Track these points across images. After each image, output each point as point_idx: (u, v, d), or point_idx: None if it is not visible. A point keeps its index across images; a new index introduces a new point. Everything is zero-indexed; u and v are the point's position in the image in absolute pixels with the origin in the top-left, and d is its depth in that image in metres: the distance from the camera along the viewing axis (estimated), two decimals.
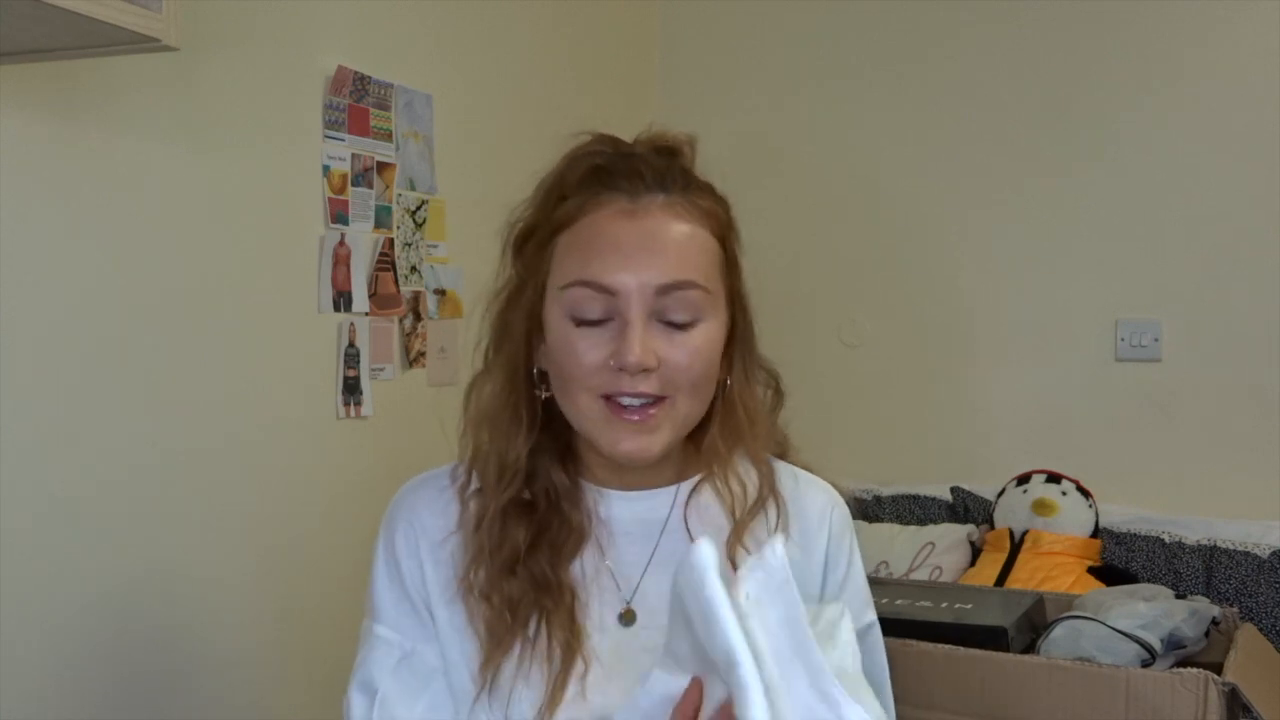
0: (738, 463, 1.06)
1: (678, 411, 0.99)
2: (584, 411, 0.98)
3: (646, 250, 0.95)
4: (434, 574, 1.03)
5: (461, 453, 1.06)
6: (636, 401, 0.96)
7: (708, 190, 1.02)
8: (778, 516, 1.07)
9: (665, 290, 0.95)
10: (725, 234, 1.02)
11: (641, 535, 1.05)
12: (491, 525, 1.00)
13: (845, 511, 1.13)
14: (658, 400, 0.97)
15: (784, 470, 1.09)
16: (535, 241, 1.01)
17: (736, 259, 1.03)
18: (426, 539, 1.04)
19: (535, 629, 0.99)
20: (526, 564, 0.99)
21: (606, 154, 1.01)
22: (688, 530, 1.05)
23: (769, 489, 1.06)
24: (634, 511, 1.05)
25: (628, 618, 1.02)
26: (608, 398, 0.97)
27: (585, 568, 1.02)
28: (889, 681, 1.13)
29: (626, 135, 1.04)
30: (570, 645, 0.98)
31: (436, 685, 1.03)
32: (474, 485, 1.04)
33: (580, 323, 0.96)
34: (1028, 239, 2.84)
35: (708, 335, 0.99)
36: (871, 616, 1.13)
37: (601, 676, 0.99)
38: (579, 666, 0.98)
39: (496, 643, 0.99)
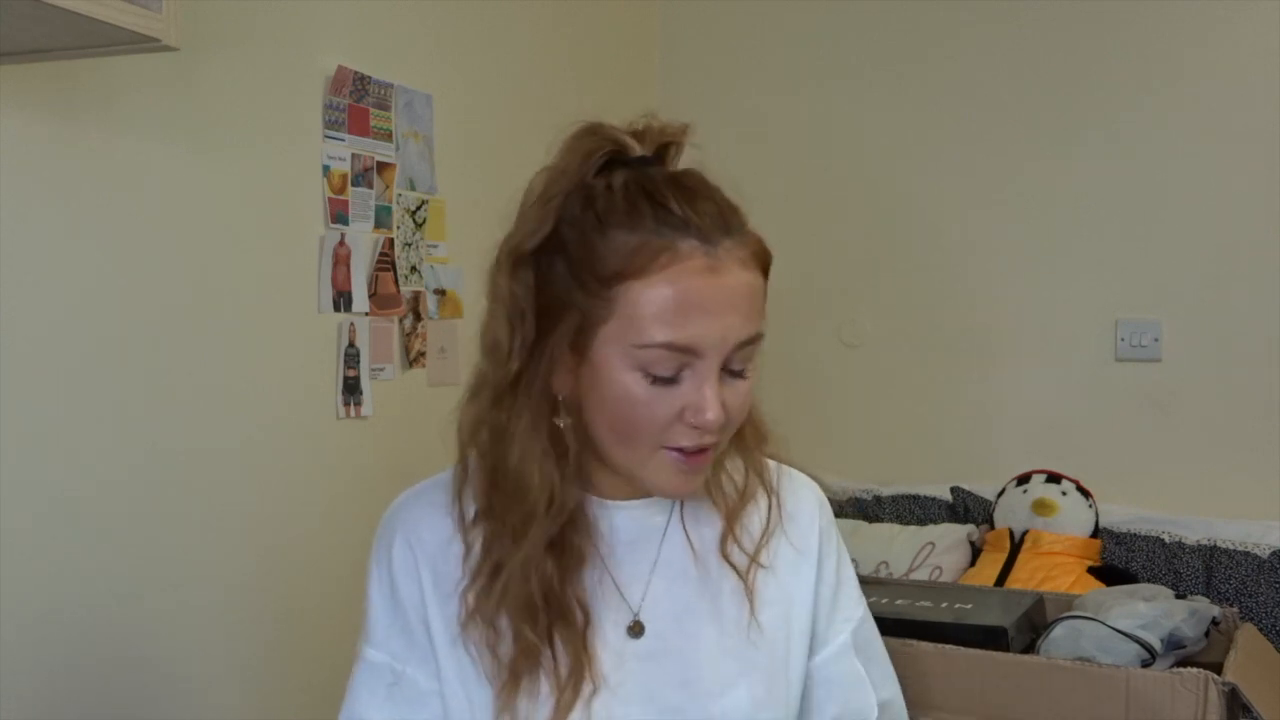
0: (726, 460, 1.06)
1: (720, 448, 0.99)
2: (640, 460, 0.96)
3: (730, 310, 0.92)
4: (434, 591, 1.00)
5: (460, 473, 1.01)
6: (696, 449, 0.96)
7: (743, 215, 0.97)
8: (769, 508, 1.06)
9: (740, 347, 0.93)
10: (769, 266, 0.98)
11: (642, 544, 1.04)
12: (526, 562, 0.96)
13: (829, 506, 1.14)
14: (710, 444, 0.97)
15: (771, 466, 1.09)
16: (584, 273, 0.92)
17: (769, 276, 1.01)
18: (426, 555, 1.01)
19: (546, 649, 0.97)
20: (546, 589, 0.97)
21: (649, 175, 0.94)
22: (687, 536, 1.05)
23: (758, 480, 1.06)
24: (634, 520, 1.04)
25: (636, 630, 1.01)
26: (668, 448, 0.95)
27: (588, 580, 1.01)
28: (889, 662, 1.15)
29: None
30: (580, 665, 0.97)
31: (429, 710, 1.01)
32: (473, 507, 1.00)
33: (654, 380, 0.92)
34: (1028, 239, 2.84)
35: (754, 375, 0.98)
36: (864, 607, 1.14)
37: (606, 693, 0.98)
38: (587, 687, 0.97)
39: (512, 671, 0.97)
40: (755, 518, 1.06)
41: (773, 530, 1.06)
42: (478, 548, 0.99)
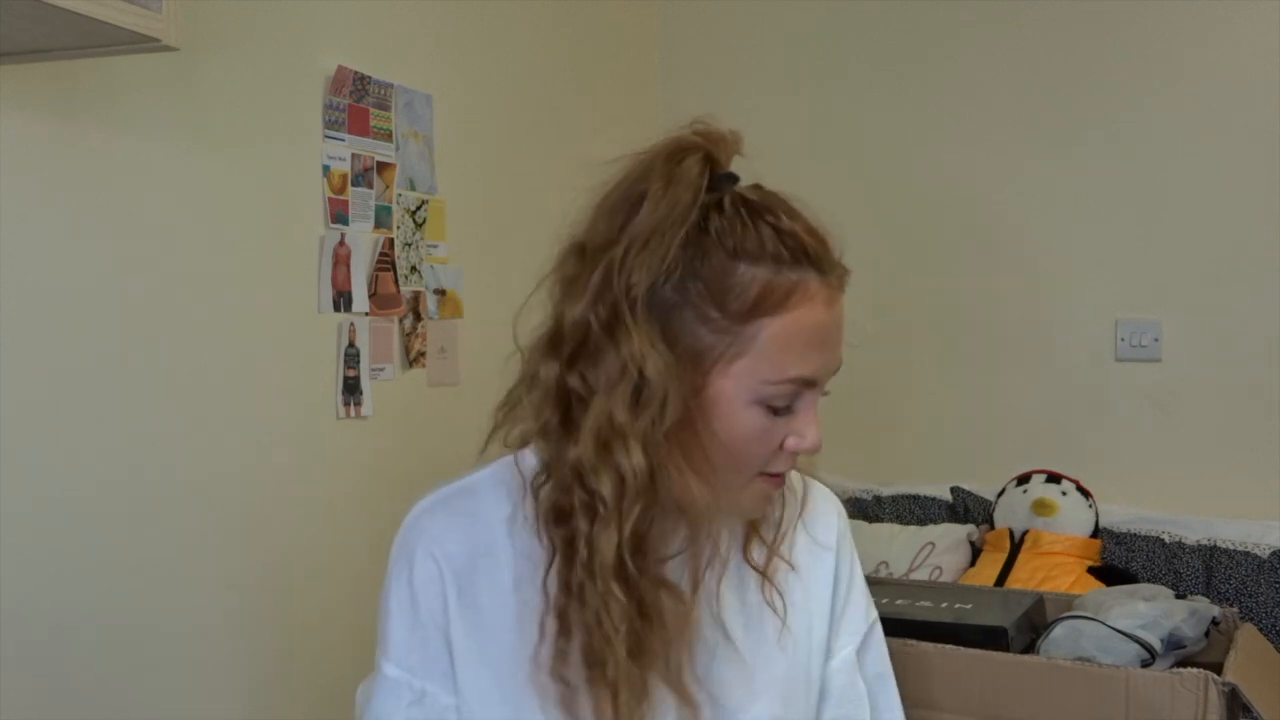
0: None
1: None
2: (737, 486, 0.95)
3: (840, 339, 0.94)
4: (458, 604, 0.97)
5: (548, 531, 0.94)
6: None
7: None
8: (789, 504, 1.05)
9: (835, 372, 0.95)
10: None
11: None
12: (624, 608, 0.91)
13: (844, 513, 1.13)
14: None
15: (794, 475, 1.08)
16: (711, 309, 0.89)
17: None
18: (452, 567, 0.97)
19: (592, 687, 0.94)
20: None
21: (755, 197, 0.92)
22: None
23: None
24: None
25: None
26: (764, 474, 0.96)
27: None
28: (893, 676, 1.14)
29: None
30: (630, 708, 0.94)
31: None
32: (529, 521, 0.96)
33: (769, 412, 0.92)
34: (1028, 238, 2.84)
35: None
36: (874, 614, 1.13)
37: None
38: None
39: (566, 702, 0.94)
40: (776, 516, 1.05)
41: (792, 523, 1.05)
42: (548, 585, 0.94)
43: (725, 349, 0.89)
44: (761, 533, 1.04)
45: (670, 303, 0.90)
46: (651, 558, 0.93)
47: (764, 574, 1.03)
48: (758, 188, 0.94)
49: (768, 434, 0.92)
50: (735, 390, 0.90)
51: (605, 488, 0.90)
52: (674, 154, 0.91)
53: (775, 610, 1.03)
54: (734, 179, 0.93)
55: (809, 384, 0.92)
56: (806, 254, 0.90)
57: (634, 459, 0.90)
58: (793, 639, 1.04)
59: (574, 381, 0.91)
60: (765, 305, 0.89)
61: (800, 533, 1.07)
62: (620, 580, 0.91)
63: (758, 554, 1.04)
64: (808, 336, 0.90)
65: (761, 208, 0.91)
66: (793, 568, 1.05)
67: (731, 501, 0.96)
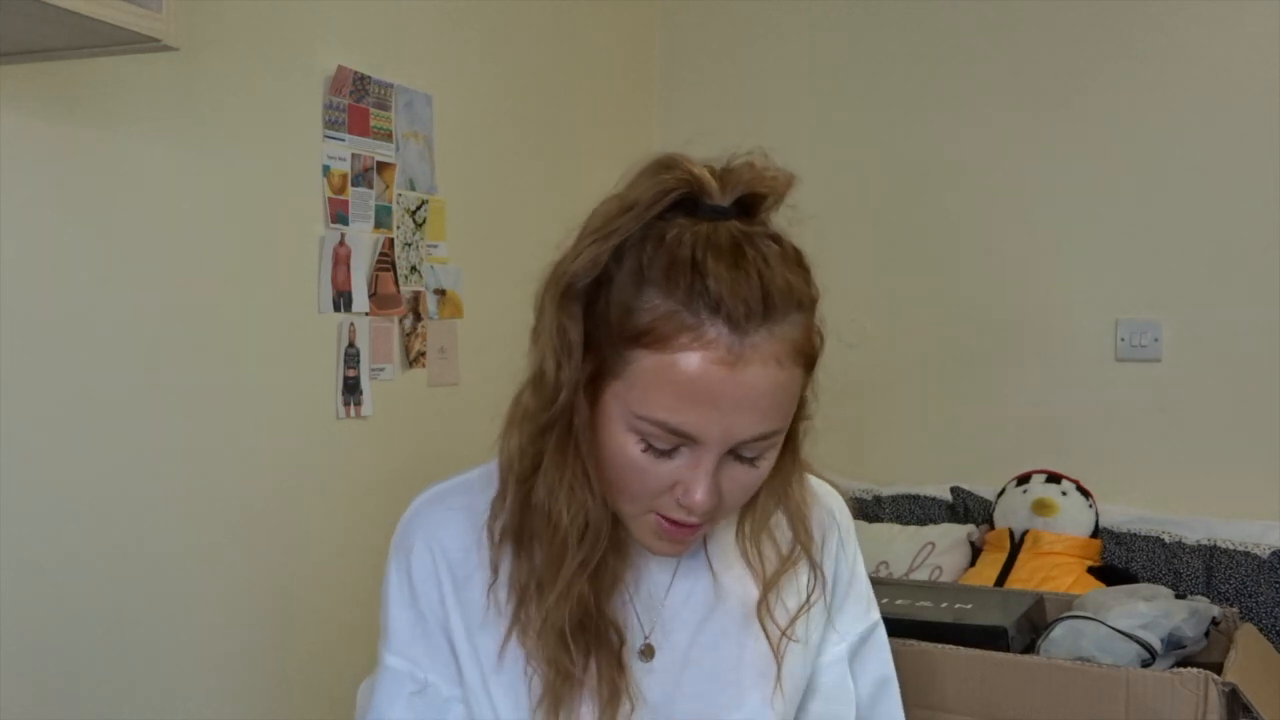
0: (771, 522, 1.01)
1: (716, 523, 0.97)
2: (628, 514, 0.93)
3: (742, 408, 0.86)
4: (455, 598, 0.98)
5: (499, 500, 0.97)
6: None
7: (801, 299, 0.89)
8: (809, 583, 1.03)
9: (749, 442, 0.88)
10: (814, 359, 0.91)
11: (660, 561, 1.01)
12: (562, 594, 0.93)
13: (848, 514, 1.12)
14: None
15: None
16: (612, 323, 0.88)
17: (815, 367, 0.93)
18: (446, 561, 0.98)
19: (585, 669, 0.95)
20: (583, 615, 0.95)
21: (705, 235, 0.86)
22: (707, 558, 1.03)
23: (804, 551, 1.02)
24: None
25: (646, 653, 1.00)
26: (657, 513, 0.92)
27: (616, 601, 0.99)
28: (895, 679, 1.13)
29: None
30: (617, 688, 0.95)
31: (453, 716, 0.99)
32: (503, 530, 0.97)
33: (647, 449, 0.89)
34: (1028, 239, 2.84)
35: (770, 461, 0.93)
36: (875, 616, 1.12)
37: (644, 709, 0.97)
38: (625, 707, 0.95)
39: (554, 696, 0.94)
40: (793, 586, 1.03)
41: (810, 605, 1.03)
42: (504, 576, 0.96)
43: (610, 366, 0.88)
44: (770, 602, 1.01)
45: (598, 311, 0.89)
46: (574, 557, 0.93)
47: (775, 650, 1.01)
48: (749, 237, 0.88)
49: (648, 472, 0.89)
50: (612, 410, 0.89)
51: (503, 462, 0.96)
52: (652, 166, 0.90)
53: (777, 669, 1.02)
54: (717, 211, 0.89)
55: (686, 437, 0.87)
56: (719, 305, 0.84)
57: (512, 443, 0.94)
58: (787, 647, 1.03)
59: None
60: (649, 337, 0.85)
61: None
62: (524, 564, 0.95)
63: (770, 624, 1.01)
64: (683, 386, 0.85)
65: (700, 250, 0.85)
66: (794, 641, 1.03)
67: (630, 528, 0.95)
